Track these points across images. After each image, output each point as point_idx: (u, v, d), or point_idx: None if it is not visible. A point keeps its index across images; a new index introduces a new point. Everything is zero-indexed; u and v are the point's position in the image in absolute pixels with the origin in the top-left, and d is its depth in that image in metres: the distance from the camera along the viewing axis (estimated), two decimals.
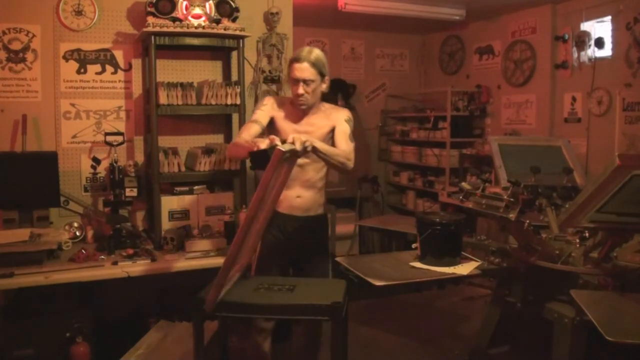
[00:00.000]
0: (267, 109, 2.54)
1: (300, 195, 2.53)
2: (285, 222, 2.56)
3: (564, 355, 2.25)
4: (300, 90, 2.40)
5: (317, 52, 2.42)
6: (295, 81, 2.42)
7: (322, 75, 2.43)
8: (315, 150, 2.20)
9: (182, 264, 2.80)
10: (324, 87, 2.48)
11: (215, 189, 3.34)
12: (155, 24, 2.98)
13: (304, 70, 2.38)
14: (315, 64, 2.38)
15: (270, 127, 2.54)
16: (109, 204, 3.06)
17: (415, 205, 6.23)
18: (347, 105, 6.23)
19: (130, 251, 2.86)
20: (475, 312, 3.97)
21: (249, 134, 2.42)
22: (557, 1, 4.87)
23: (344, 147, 2.42)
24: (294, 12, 3.68)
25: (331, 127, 2.52)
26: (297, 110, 2.52)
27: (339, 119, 2.51)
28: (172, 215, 3.15)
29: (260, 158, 1.99)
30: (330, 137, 2.53)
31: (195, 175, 3.19)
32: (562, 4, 4.87)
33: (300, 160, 2.42)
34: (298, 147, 2.05)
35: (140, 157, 3.34)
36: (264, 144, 2.03)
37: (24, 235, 2.75)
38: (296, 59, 2.41)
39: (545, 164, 2.72)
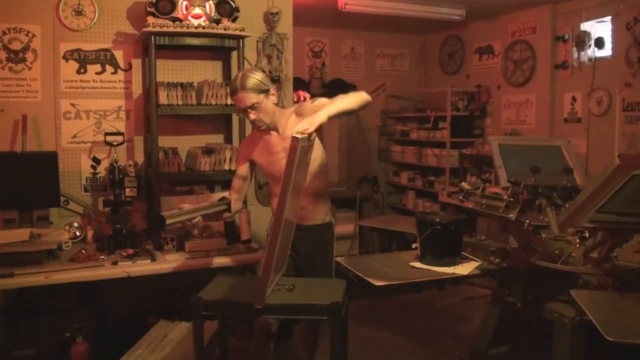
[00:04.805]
0: (241, 158, 2.57)
1: (304, 207, 2.46)
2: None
3: (564, 355, 2.25)
4: (252, 117, 2.37)
5: (248, 76, 2.34)
6: (242, 110, 2.40)
7: (263, 92, 2.36)
8: (329, 118, 2.14)
9: (182, 264, 2.80)
10: (273, 98, 2.42)
11: (215, 189, 3.33)
12: (155, 24, 2.98)
13: (243, 99, 2.33)
14: (250, 89, 2.32)
15: (254, 164, 2.57)
16: (109, 204, 3.06)
17: (415, 205, 6.23)
18: None
19: (130, 251, 2.86)
20: (475, 312, 3.97)
21: (235, 191, 2.55)
22: (557, 1, 4.87)
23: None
24: (294, 12, 3.68)
25: None
26: (268, 134, 2.47)
27: (310, 110, 2.35)
28: None
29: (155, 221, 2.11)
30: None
31: (195, 175, 3.19)
32: (562, 4, 4.87)
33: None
34: (310, 129, 2.06)
35: (140, 157, 3.34)
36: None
37: (24, 235, 2.75)
38: (232, 92, 2.38)
39: (545, 164, 2.72)
